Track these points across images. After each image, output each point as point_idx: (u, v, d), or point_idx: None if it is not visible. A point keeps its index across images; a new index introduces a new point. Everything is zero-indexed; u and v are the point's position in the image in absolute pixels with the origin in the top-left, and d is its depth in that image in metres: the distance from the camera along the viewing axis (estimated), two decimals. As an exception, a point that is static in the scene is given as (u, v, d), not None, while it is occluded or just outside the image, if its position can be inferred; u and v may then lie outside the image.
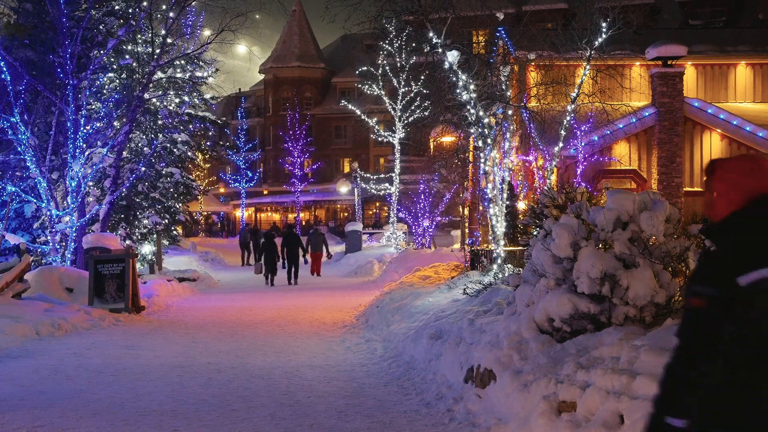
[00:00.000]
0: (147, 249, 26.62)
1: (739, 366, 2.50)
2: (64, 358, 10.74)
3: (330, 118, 61.83)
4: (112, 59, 23.75)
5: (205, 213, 61.90)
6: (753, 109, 19.83)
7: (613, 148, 18.49)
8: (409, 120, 30.56)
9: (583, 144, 17.36)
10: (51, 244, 19.77)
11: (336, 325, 14.32)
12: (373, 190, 34.74)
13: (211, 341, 12.23)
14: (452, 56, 14.29)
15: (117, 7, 24.04)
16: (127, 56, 24.47)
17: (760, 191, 2.73)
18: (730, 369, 2.51)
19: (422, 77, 25.77)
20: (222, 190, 64.37)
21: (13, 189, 19.43)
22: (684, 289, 2.79)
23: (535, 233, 9.51)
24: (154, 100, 26.19)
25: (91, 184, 21.60)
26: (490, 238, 15.43)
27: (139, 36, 24.08)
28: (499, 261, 14.08)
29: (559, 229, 7.35)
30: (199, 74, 28.86)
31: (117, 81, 24.36)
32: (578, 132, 17.21)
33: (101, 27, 23.52)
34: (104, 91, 22.99)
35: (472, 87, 14.48)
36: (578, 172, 17.37)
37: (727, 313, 2.52)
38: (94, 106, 21.78)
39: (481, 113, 14.67)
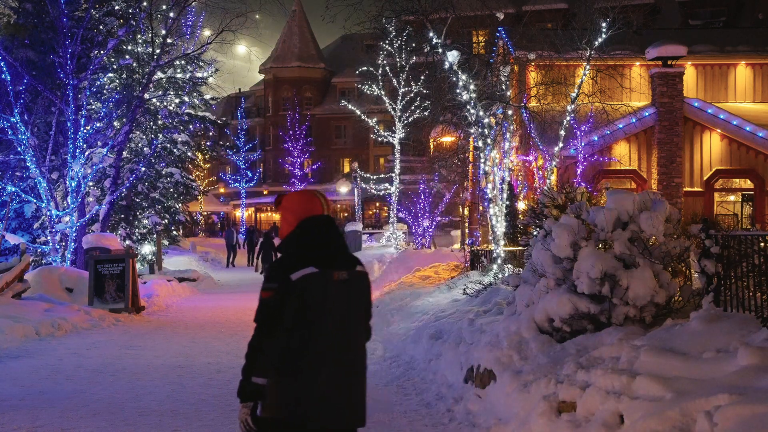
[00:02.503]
0: (147, 249, 26.62)
1: (293, 335, 3.61)
2: (64, 358, 10.74)
3: (330, 118, 61.82)
4: (112, 59, 23.76)
5: (205, 213, 61.86)
6: (753, 109, 19.82)
7: (613, 148, 18.48)
8: (409, 120, 30.53)
9: (583, 144, 17.35)
10: (51, 244, 19.78)
11: (336, 325, 14.31)
12: (373, 190, 34.68)
13: (211, 341, 12.23)
14: (452, 56, 14.28)
15: (117, 7, 24.03)
16: (127, 56, 24.47)
17: (306, 215, 3.81)
18: (288, 337, 3.61)
19: (422, 77, 25.75)
20: (222, 190, 64.33)
21: (13, 189, 19.43)
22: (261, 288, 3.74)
23: (535, 233, 9.51)
24: (154, 100, 26.19)
25: (91, 184, 21.60)
26: (490, 238, 15.43)
27: (139, 36, 24.09)
28: (499, 261, 14.08)
29: (559, 229, 7.35)
30: (199, 74, 28.86)
31: (117, 81, 24.36)
32: (578, 132, 17.20)
33: (101, 27, 23.52)
34: (104, 91, 22.99)
35: (472, 87, 14.47)
36: (578, 172, 17.37)
37: (284, 301, 3.59)
38: (94, 106, 21.78)
39: (481, 113, 14.66)
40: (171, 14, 22.05)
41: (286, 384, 3.62)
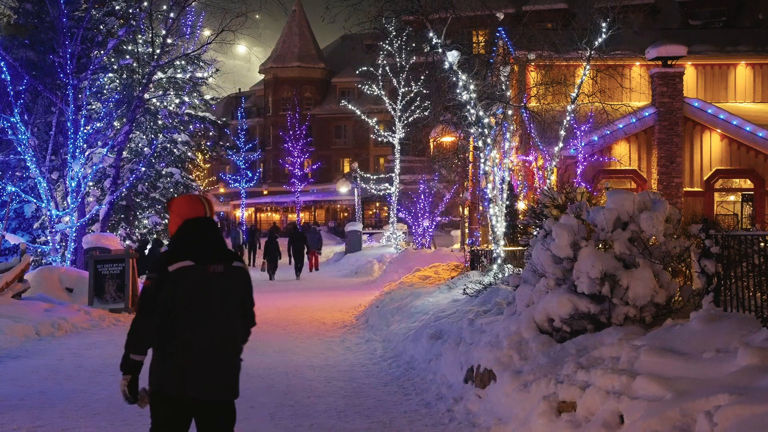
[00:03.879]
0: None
1: (167, 316, 4.21)
2: (64, 358, 10.74)
3: (330, 118, 61.81)
4: (112, 59, 23.77)
5: (205, 213, 61.76)
6: (753, 109, 19.81)
7: (613, 148, 18.48)
8: (409, 120, 30.53)
9: (583, 144, 17.35)
10: (51, 244, 19.78)
11: (336, 325, 14.32)
12: (373, 190, 34.69)
13: (211, 341, 12.21)
14: (452, 56, 14.28)
15: (117, 7, 24.05)
16: (127, 56, 24.49)
17: (190, 216, 4.41)
18: (163, 318, 4.21)
19: (422, 77, 25.75)
20: (222, 190, 64.32)
21: (13, 189, 19.43)
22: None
23: (535, 233, 9.51)
24: (154, 100, 26.20)
25: (91, 184, 21.60)
26: (490, 238, 15.43)
27: (139, 36, 24.10)
28: (499, 261, 14.07)
29: (559, 229, 7.35)
30: (199, 74, 28.87)
31: (117, 81, 24.38)
32: (578, 132, 17.20)
33: (101, 27, 23.53)
34: (104, 91, 23.01)
35: (472, 87, 14.47)
36: (578, 172, 17.36)
37: (160, 289, 4.20)
38: (94, 106, 21.79)
39: (481, 113, 14.66)
40: (171, 14, 22.05)
41: (161, 360, 4.25)
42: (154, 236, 27.11)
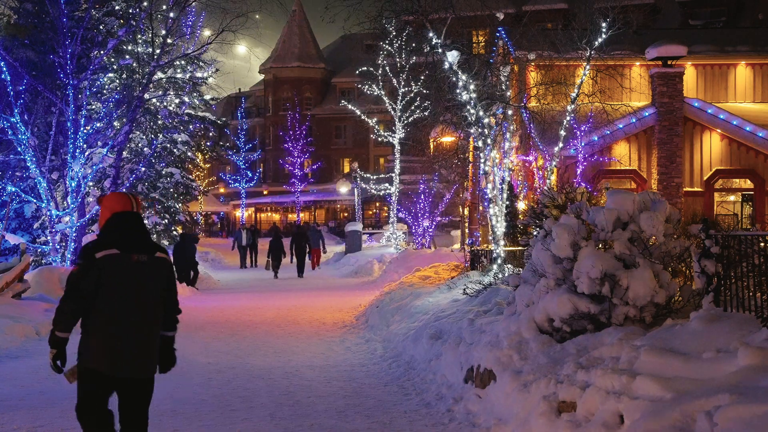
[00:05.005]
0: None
1: (94, 298, 4.66)
2: (64, 358, 10.73)
3: (330, 118, 61.82)
4: (112, 59, 23.76)
5: (205, 213, 61.86)
6: (753, 109, 19.82)
7: (613, 148, 18.49)
8: (409, 120, 30.53)
9: (583, 144, 17.35)
10: (51, 244, 19.77)
11: (336, 325, 14.32)
12: (373, 190, 34.68)
13: (211, 341, 12.22)
14: (452, 56, 14.28)
15: (117, 7, 24.05)
16: (127, 56, 24.48)
17: (118, 210, 4.87)
18: (90, 301, 4.66)
19: (422, 77, 25.74)
20: (222, 190, 64.32)
21: (13, 189, 19.42)
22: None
23: (535, 233, 9.50)
24: (154, 100, 26.20)
25: (91, 184, 21.59)
26: (490, 238, 15.43)
27: (139, 36, 24.09)
28: (499, 261, 14.07)
29: (559, 229, 7.35)
30: (199, 74, 28.87)
31: (117, 81, 24.37)
32: (578, 132, 17.20)
33: (101, 27, 23.53)
34: (104, 92, 22.99)
35: (472, 87, 14.47)
36: (578, 172, 17.37)
37: (86, 274, 4.63)
38: (94, 107, 21.78)
39: (481, 113, 14.66)
40: (171, 14, 22.04)
41: (87, 338, 4.72)
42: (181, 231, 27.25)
